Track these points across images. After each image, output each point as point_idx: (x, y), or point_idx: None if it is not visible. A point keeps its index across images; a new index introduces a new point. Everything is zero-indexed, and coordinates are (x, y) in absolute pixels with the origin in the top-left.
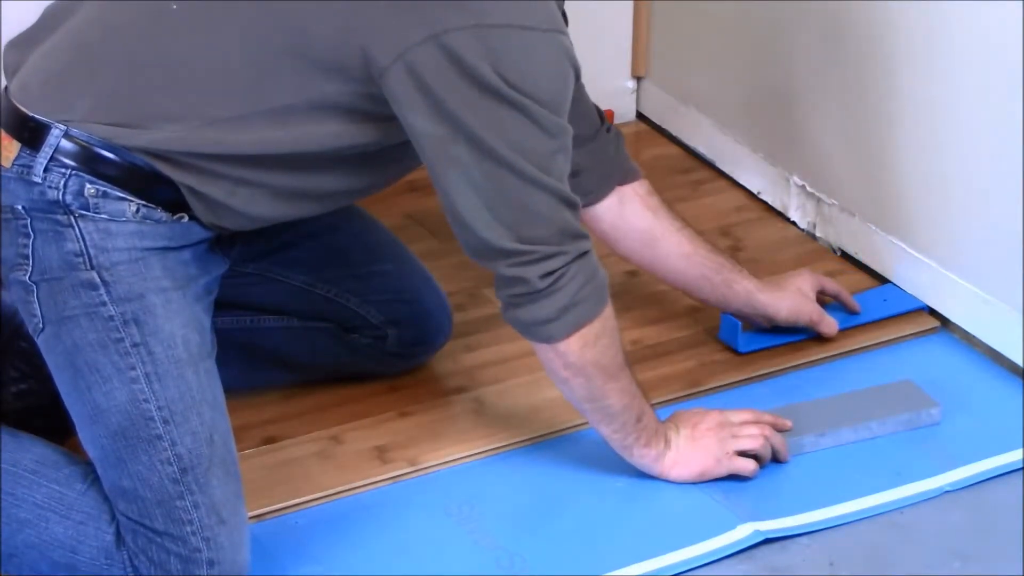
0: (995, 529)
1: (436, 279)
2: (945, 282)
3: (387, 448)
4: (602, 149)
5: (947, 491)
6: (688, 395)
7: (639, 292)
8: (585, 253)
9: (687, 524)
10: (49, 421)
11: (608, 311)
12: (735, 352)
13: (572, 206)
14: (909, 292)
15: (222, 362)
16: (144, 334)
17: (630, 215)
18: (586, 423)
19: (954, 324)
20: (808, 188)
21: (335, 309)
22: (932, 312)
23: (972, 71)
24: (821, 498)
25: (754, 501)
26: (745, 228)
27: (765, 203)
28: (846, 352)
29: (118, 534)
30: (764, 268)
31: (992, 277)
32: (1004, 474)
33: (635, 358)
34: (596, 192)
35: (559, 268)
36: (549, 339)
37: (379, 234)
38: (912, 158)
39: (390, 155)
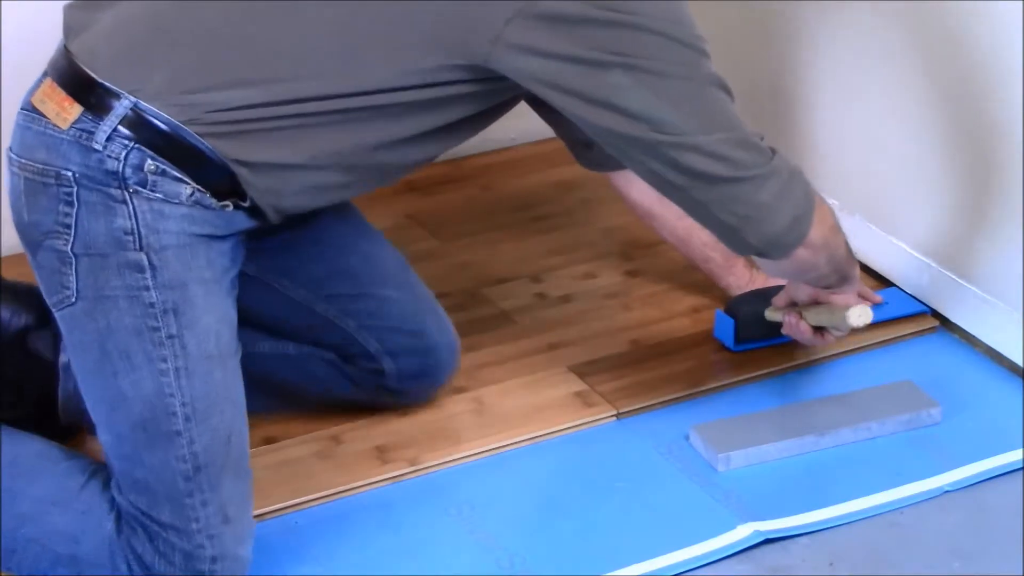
0: (995, 529)
1: (436, 279)
2: (945, 282)
3: (387, 448)
4: None
5: (947, 491)
6: (688, 395)
7: (639, 292)
8: (762, 143)
9: (687, 524)
10: (41, 430)
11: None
12: (733, 351)
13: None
14: (909, 292)
15: None
16: (181, 326)
17: (636, 193)
18: (586, 423)
19: (954, 324)
20: None
21: (331, 331)
22: (932, 312)
23: (972, 71)
24: (821, 498)
25: (754, 501)
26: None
27: None
28: (846, 352)
29: (118, 522)
30: None
31: (992, 277)
32: (1004, 474)
33: (635, 358)
34: (610, 164)
35: (759, 156)
36: (802, 237)
37: (389, 260)
38: (912, 158)
39: (479, 120)
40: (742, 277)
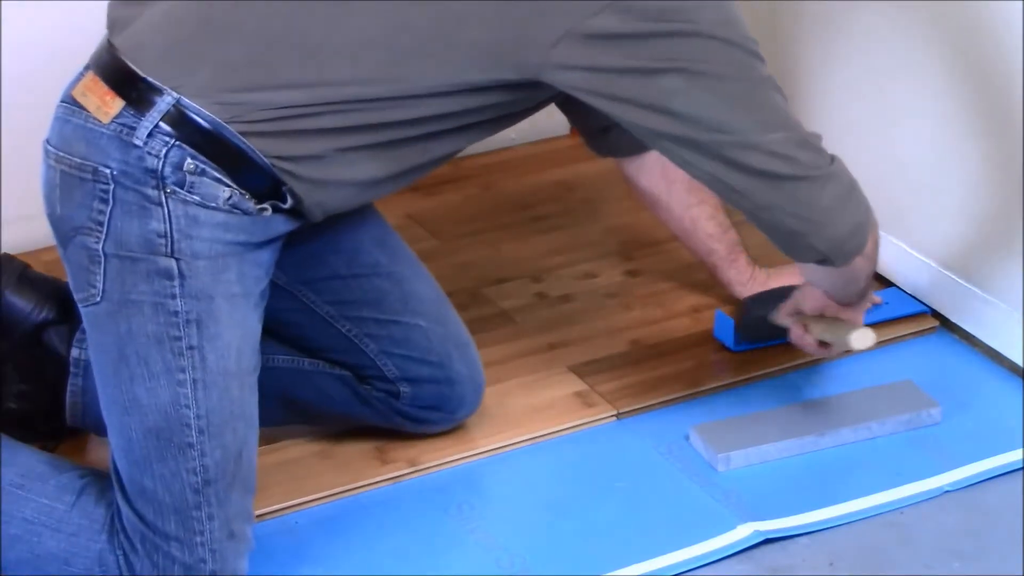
0: (995, 529)
1: (436, 279)
2: (945, 282)
3: (387, 448)
4: None
5: (947, 491)
6: (688, 395)
7: (639, 292)
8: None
9: (687, 524)
10: (49, 424)
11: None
12: (732, 351)
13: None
14: (909, 292)
15: None
16: (203, 338)
17: (645, 180)
18: (586, 423)
19: (954, 324)
20: None
21: (352, 351)
22: (932, 312)
23: (972, 70)
24: (821, 498)
25: (754, 501)
26: (745, 228)
27: None
28: (846, 352)
29: (110, 535)
30: None
31: (992, 277)
32: (1004, 474)
33: (635, 358)
34: (624, 150)
35: (818, 156)
36: (862, 245)
37: (423, 287)
38: (912, 158)
39: (513, 117)
40: (744, 272)
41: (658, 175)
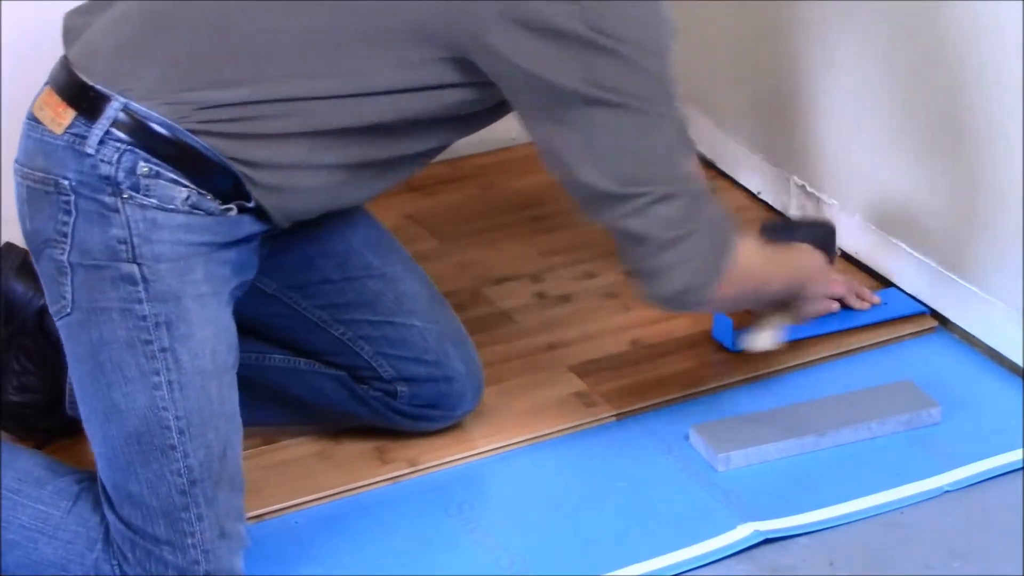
0: (995, 529)
1: (436, 279)
2: (945, 282)
3: (387, 448)
4: None
5: (947, 491)
6: (688, 395)
7: None
8: (699, 194)
9: (687, 524)
10: (50, 419)
11: (744, 245)
12: (732, 351)
13: (686, 146)
14: (909, 292)
15: None
16: (174, 339)
17: None
18: (586, 423)
19: (954, 324)
20: (808, 188)
21: (346, 353)
22: (932, 312)
23: (972, 70)
24: (821, 498)
25: (754, 501)
26: (745, 228)
27: (765, 203)
28: (846, 352)
29: (105, 543)
30: None
31: (992, 277)
32: (1004, 474)
33: (635, 358)
34: None
35: (678, 214)
36: (699, 303)
37: (417, 287)
38: (912, 158)
39: (478, 117)
40: None
41: None
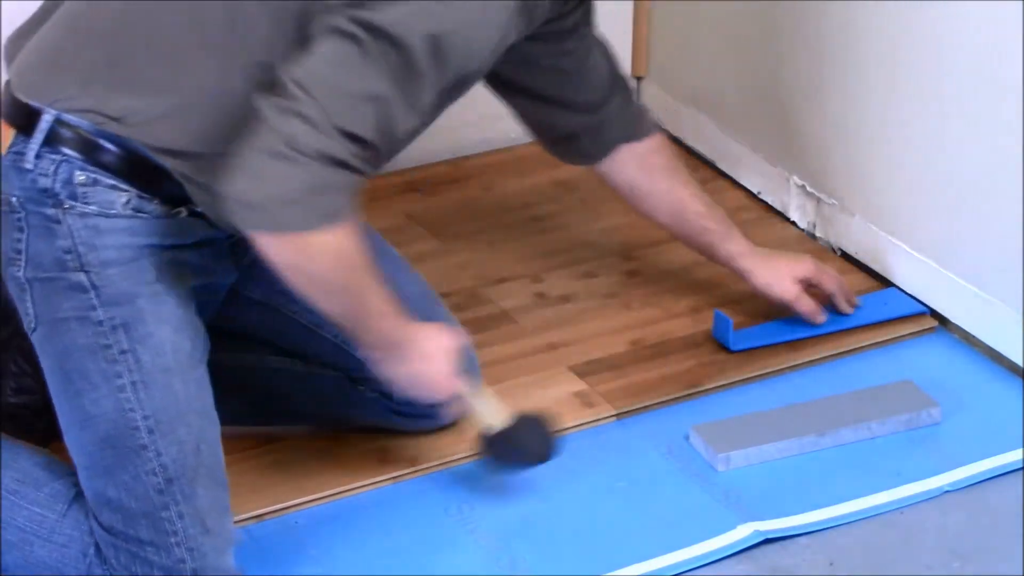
0: (995, 529)
1: (436, 279)
2: (945, 282)
3: (387, 448)
4: (603, 120)
5: (947, 491)
6: (688, 395)
7: (639, 292)
8: (347, 159)
9: (687, 524)
10: (48, 420)
11: (334, 236)
12: (732, 351)
13: (356, 140)
14: (909, 292)
15: (220, 400)
16: (132, 341)
17: (622, 176)
18: (586, 423)
19: (954, 324)
20: (808, 188)
21: (340, 355)
22: (932, 312)
23: (972, 70)
24: (821, 498)
25: (754, 501)
26: (745, 228)
27: (765, 203)
28: (846, 352)
29: (98, 550)
30: None
31: (992, 277)
32: (1004, 474)
33: (635, 358)
34: (594, 155)
35: (309, 140)
36: (246, 225)
37: (409, 286)
38: (912, 158)
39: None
40: (742, 243)
41: (634, 167)
